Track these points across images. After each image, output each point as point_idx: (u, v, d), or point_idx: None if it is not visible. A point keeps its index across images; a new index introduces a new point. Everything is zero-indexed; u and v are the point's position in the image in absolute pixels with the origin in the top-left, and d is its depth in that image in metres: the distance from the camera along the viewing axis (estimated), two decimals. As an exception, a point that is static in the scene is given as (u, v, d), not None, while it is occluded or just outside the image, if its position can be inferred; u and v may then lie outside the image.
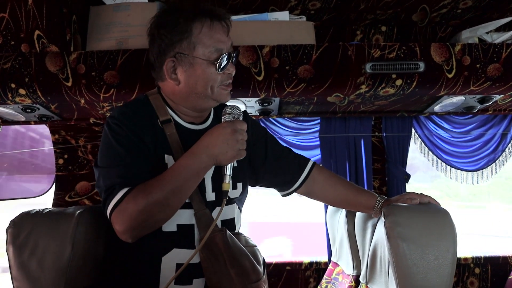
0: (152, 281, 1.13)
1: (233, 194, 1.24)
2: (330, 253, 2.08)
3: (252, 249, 1.25)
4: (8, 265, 1.18)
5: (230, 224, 1.24)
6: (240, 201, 1.30)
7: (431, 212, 1.19)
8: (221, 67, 1.15)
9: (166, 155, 1.14)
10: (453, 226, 1.14)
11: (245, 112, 1.34)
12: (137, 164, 1.08)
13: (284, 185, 1.41)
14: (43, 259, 1.16)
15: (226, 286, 1.13)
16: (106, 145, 1.11)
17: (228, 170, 1.10)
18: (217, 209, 1.18)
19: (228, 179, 1.10)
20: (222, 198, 1.18)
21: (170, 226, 1.12)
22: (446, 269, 1.10)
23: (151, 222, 1.05)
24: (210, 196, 1.18)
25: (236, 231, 1.27)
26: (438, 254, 1.11)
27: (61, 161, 2.11)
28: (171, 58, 1.14)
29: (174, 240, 1.14)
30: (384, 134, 2.20)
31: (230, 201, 1.23)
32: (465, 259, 2.19)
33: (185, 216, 1.13)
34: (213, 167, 1.16)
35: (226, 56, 1.15)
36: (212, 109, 1.29)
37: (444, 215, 1.16)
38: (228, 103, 1.22)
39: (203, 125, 1.25)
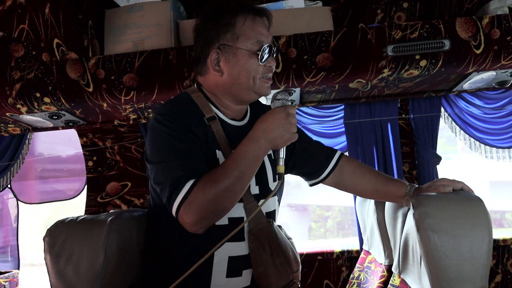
0: (205, 275, 1.16)
1: (273, 186, 1.26)
2: (361, 242, 2.05)
3: (291, 241, 1.28)
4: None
5: (272, 215, 1.27)
6: (279, 193, 1.32)
7: (462, 200, 1.13)
8: (263, 58, 1.18)
9: (217, 151, 1.17)
10: (487, 214, 1.08)
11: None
12: (196, 156, 1.11)
13: (312, 174, 1.42)
14: (78, 266, 1.19)
15: (271, 275, 1.16)
16: (160, 140, 1.12)
17: (282, 153, 1.13)
18: (262, 201, 1.20)
19: (282, 162, 1.13)
20: (265, 191, 1.23)
21: (222, 220, 1.14)
22: (481, 260, 1.05)
23: (221, 209, 1.08)
24: (254, 189, 1.21)
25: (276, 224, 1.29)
26: (472, 245, 1.06)
27: (90, 163, 2.17)
28: (216, 50, 1.18)
29: (225, 233, 1.14)
30: (412, 116, 2.12)
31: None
32: (504, 240, 2.11)
33: (235, 210, 1.15)
34: None
35: (267, 48, 1.18)
36: (248, 107, 1.32)
37: (477, 203, 1.10)
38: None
39: (243, 122, 1.27)
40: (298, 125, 1.52)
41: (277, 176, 1.14)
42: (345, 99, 2.00)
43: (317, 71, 1.57)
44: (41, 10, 1.63)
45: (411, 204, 1.15)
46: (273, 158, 1.23)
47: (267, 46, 1.18)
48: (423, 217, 1.09)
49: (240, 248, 1.15)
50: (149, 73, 1.62)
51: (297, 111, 2.17)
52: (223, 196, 1.05)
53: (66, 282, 1.19)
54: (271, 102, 1.18)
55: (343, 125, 2.15)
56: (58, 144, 2.47)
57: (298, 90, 1.73)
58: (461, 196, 1.17)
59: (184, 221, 1.05)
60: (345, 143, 2.15)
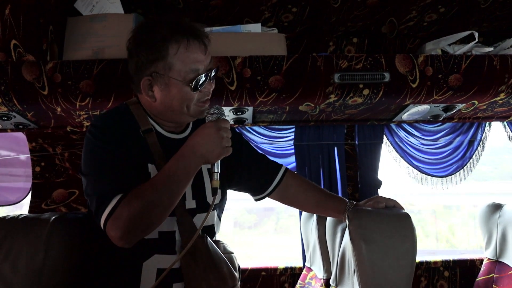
0: (133, 286, 1.14)
1: (211, 200, 1.23)
2: (304, 259, 2.13)
3: (230, 256, 1.28)
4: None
5: (210, 230, 1.27)
6: (219, 208, 1.33)
7: (393, 215, 1.25)
8: (197, 87, 1.15)
9: (149, 164, 1.16)
10: (413, 229, 1.20)
11: None
12: (125, 171, 1.10)
13: (257, 189, 1.46)
14: (16, 264, 1.18)
15: None
16: (91, 153, 1.12)
17: (216, 168, 1.12)
18: (198, 216, 1.21)
19: (216, 177, 1.12)
20: (202, 205, 1.22)
21: (152, 233, 1.13)
22: (406, 269, 1.16)
23: (147, 224, 1.07)
24: (191, 203, 1.21)
25: (215, 238, 1.30)
26: (398, 255, 1.17)
27: (37, 168, 2.11)
28: (148, 77, 1.15)
29: (155, 246, 1.16)
30: (357, 142, 2.27)
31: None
32: (435, 262, 2.26)
33: (167, 223, 1.14)
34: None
35: (202, 76, 1.15)
36: None
37: (405, 218, 1.23)
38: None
39: (183, 134, 1.27)
40: (251, 143, 1.60)
41: (212, 191, 1.13)
42: (295, 121, 2.11)
43: (269, 91, 1.67)
44: (1, 11, 1.63)
45: (347, 216, 1.25)
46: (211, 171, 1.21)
47: (203, 75, 1.15)
48: (357, 229, 1.19)
49: (170, 261, 1.12)
50: (107, 81, 1.64)
51: (249, 129, 2.26)
52: (150, 211, 1.05)
53: (2, 279, 1.17)
54: (205, 116, 1.18)
55: (293, 146, 2.26)
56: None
57: (251, 109, 1.82)
58: (392, 212, 1.28)
59: (111, 235, 1.05)
60: (294, 163, 2.26)
